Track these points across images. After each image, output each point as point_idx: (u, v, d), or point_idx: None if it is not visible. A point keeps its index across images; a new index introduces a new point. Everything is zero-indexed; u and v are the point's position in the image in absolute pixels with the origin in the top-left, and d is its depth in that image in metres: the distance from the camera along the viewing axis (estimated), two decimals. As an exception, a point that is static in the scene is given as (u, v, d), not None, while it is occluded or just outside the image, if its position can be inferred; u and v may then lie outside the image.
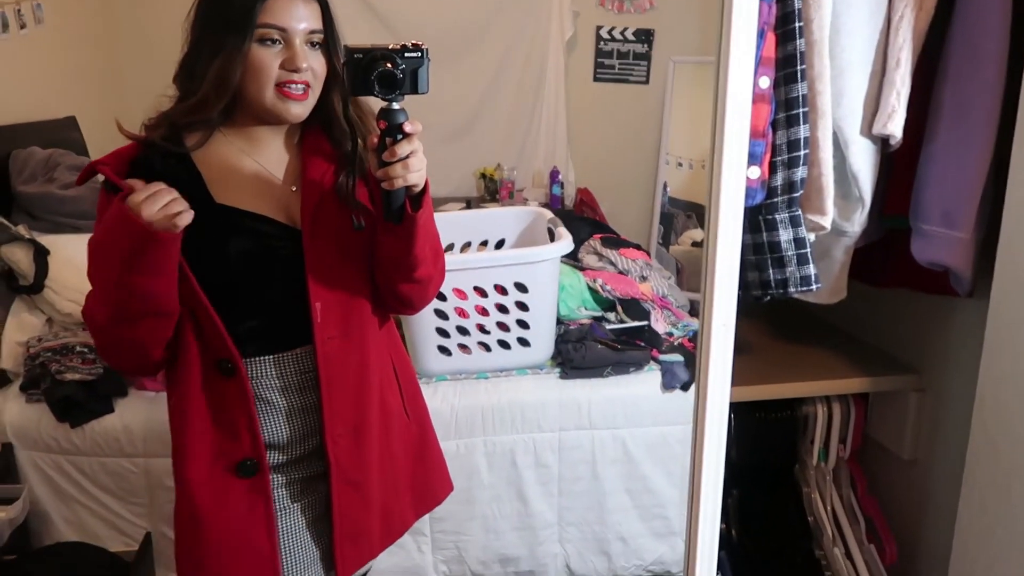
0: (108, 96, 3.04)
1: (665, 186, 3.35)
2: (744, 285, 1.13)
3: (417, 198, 1.13)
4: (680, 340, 2.18)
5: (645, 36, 3.46)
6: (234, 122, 1.18)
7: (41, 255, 2.20)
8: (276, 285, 1.19)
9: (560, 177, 3.47)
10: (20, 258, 2.18)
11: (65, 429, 1.95)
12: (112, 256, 1.09)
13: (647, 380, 2.05)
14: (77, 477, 1.99)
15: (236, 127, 1.18)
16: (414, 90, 1.07)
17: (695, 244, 3.13)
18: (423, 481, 1.40)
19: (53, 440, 1.96)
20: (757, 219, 1.12)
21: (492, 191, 3.44)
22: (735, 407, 1.53)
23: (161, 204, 1.05)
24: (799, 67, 1.09)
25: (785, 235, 1.11)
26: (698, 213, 3.14)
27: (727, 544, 1.50)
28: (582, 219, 3.02)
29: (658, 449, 2.03)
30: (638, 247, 2.62)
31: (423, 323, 1.98)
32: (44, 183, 2.40)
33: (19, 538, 1.90)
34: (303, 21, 1.12)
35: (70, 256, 2.20)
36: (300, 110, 1.15)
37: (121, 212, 1.06)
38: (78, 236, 2.31)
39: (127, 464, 1.98)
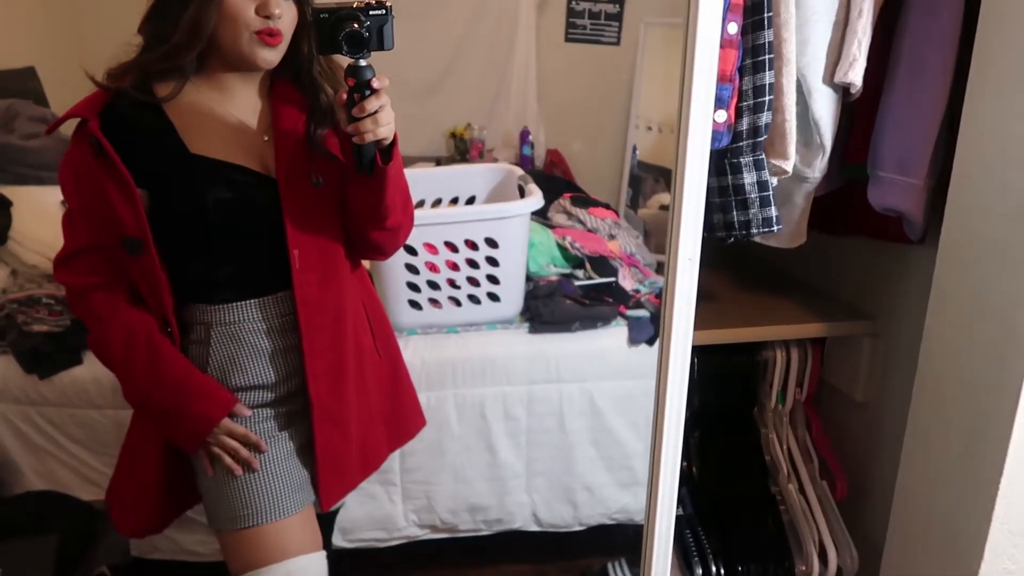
0: (67, 46, 2.96)
1: (635, 149, 3.37)
2: (709, 227, 1.17)
3: (387, 151, 1.16)
4: (647, 296, 2.22)
5: (617, -3, 3.45)
6: (205, 69, 1.18)
7: (4, 207, 2.17)
8: (253, 233, 1.21)
9: (530, 137, 3.47)
10: (-18, 210, 2.15)
11: (33, 381, 1.93)
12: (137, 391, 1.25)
13: (614, 335, 2.09)
14: (46, 428, 1.98)
15: (206, 75, 1.19)
16: (380, 47, 1.09)
17: (663, 207, 3.17)
18: (397, 416, 1.45)
19: (21, 392, 1.94)
20: (723, 162, 1.16)
21: (462, 151, 3.43)
22: (698, 352, 1.58)
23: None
24: (766, 14, 1.12)
25: (749, 178, 1.15)
26: (666, 178, 3.17)
27: (688, 481, 1.56)
28: (552, 178, 3.04)
29: (624, 402, 2.08)
30: (607, 206, 2.65)
31: (394, 277, 2.00)
32: (4, 134, 2.35)
33: (-12, 489, 1.90)
34: None
35: (34, 208, 2.17)
36: (272, 56, 1.16)
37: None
38: (41, 188, 2.27)
39: (96, 415, 1.97)
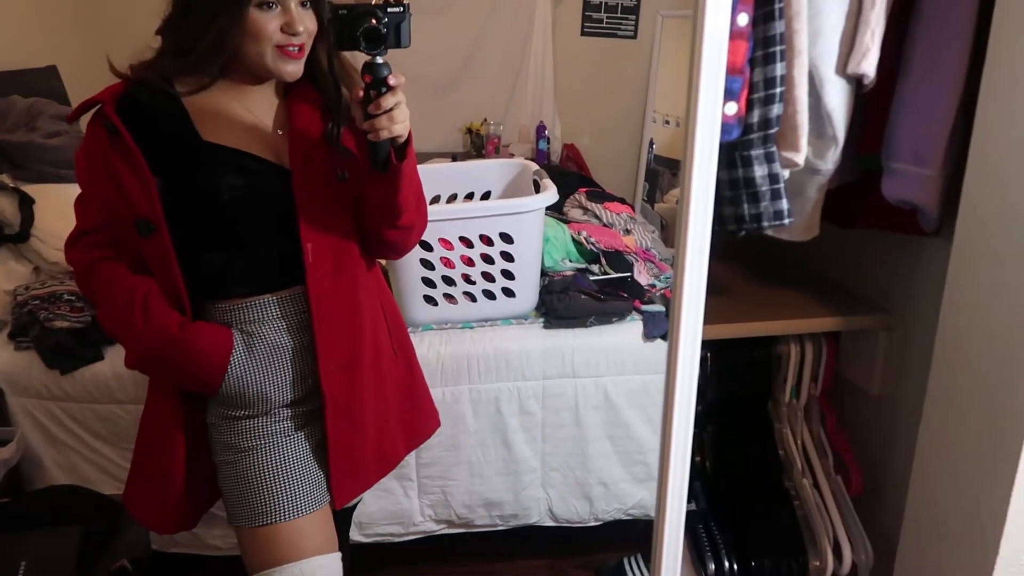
0: (89, 46, 3.01)
1: (651, 143, 3.35)
2: (720, 220, 1.16)
3: (401, 148, 1.17)
4: (662, 291, 2.22)
5: (633, -10, 3.44)
6: (228, 75, 1.21)
7: (26, 204, 2.20)
8: (267, 223, 1.23)
9: (547, 132, 3.47)
10: (5, 207, 2.18)
11: (55, 376, 1.97)
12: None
13: (629, 330, 2.08)
14: (68, 423, 2.01)
15: (229, 78, 1.21)
16: (397, 44, 1.10)
17: (679, 202, 3.15)
18: (412, 416, 1.46)
19: (44, 387, 1.98)
20: (733, 155, 1.15)
21: (478, 146, 3.44)
22: (712, 346, 1.57)
23: None
24: (777, 5, 1.11)
25: (760, 171, 1.14)
26: (683, 171, 3.16)
27: (701, 476, 1.56)
28: (568, 173, 3.04)
29: (639, 397, 2.07)
30: (622, 201, 2.64)
31: (410, 273, 2.00)
32: (26, 132, 2.39)
33: (12, 482, 1.93)
34: None
35: (56, 205, 2.21)
36: (297, 68, 1.19)
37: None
38: (63, 186, 2.30)
39: (118, 410, 2.00)
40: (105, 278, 1.23)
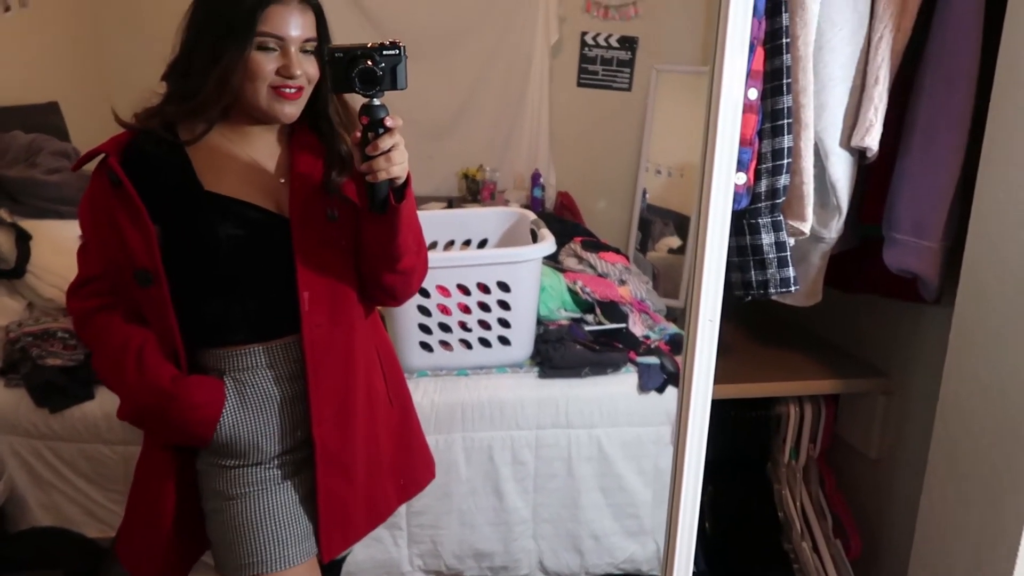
0: (91, 83, 3.01)
1: (644, 193, 3.40)
2: (727, 285, 1.17)
3: (400, 190, 1.17)
4: (657, 343, 2.23)
5: (629, 44, 3.51)
6: (229, 119, 1.22)
7: (23, 240, 2.19)
8: (264, 272, 1.22)
9: (542, 180, 3.50)
10: (1, 242, 2.17)
11: (44, 414, 1.93)
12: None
13: (624, 381, 2.08)
14: (54, 463, 1.97)
15: (230, 123, 1.22)
16: (393, 86, 1.11)
17: (671, 251, 3.19)
18: (406, 466, 1.44)
19: (32, 425, 1.94)
20: (741, 223, 1.18)
21: (474, 191, 3.46)
22: (711, 405, 1.58)
23: None
24: (785, 80, 1.15)
25: (767, 239, 1.17)
26: (675, 221, 3.20)
27: (700, 536, 1.55)
28: (562, 222, 3.06)
29: (632, 448, 2.07)
30: (617, 251, 2.67)
31: (406, 319, 2.01)
32: (26, 167, 2.38)
33: (-5, 523, 1.90)
34: (299, 30, 1.16)
35: (53, 241, 2.19)
36: (292, 110, 1.19)
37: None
38: (61, 222, 2.29)
39: (105, 450, 1.97)
40: (101, 326, 1.23)
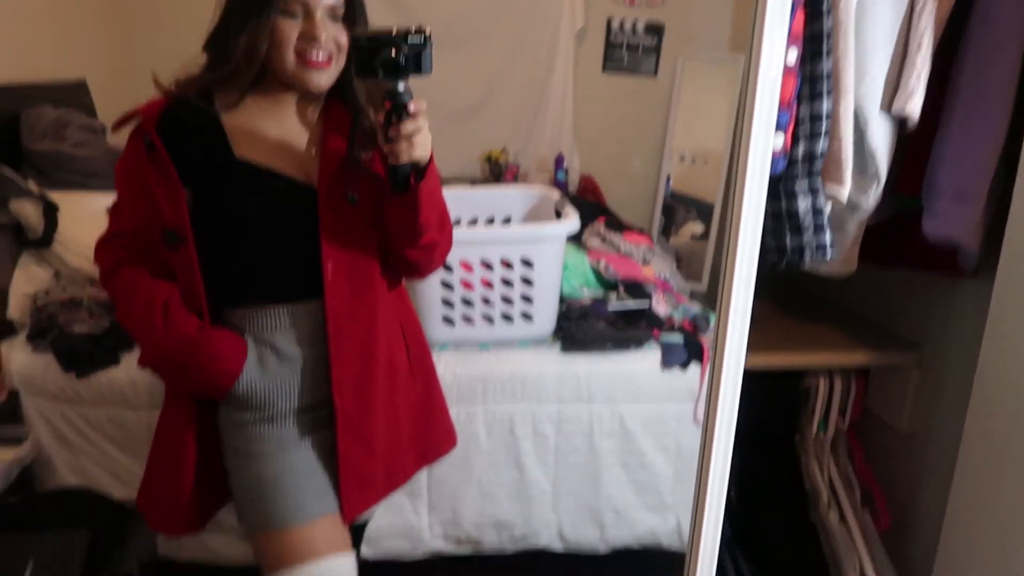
0: (117, 60, 3.04)
1: (668, 178, 3.39)
2: (761, 251, 1.17)
3: (421, 170, 1.17)
4: (681, 322, 2.22)
5: (655, 30, 3.49)
6: (263, 87, 1.23)
7: (51, 211, 2.21)
8: (290, 241, 1.24)
9: (565, 163, 3.50)
10: (29, 212, 2.19)
11: (71, 379, 1.96)
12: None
13: (647, 358, 2.08)
14: (81, 425, 2.00)
15: (265, 93, 1.24)
16: (417, 71, 1.10)
17: (694, 238, 3.18)
18: (426, 435, 1.46)
19: (59, 389, 1.97)
20: (777, 188, 1.17)
21: (497, 174, 3.46)
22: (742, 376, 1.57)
23: None
24: (825, 45, 1.14)
25: (804, 204, 1.16)
26: (698, 208, 3.19)
27: (726, 507, 1.54)
28: (586, 203, 3.06)
29: (654, 425, 2.07)
30: (641, 231, 2.66)
31: (429, 294, 2.01)
32: (55, 141, 2.40)
33: (23, 483, 1.92)
34: None
35: (80, 213, 2.22)
36: (322, 78, 1.20)
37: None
38: (88, 194, 2.32)
39: (131, 415, 1.99)
40: (128, 280, 1.25)
